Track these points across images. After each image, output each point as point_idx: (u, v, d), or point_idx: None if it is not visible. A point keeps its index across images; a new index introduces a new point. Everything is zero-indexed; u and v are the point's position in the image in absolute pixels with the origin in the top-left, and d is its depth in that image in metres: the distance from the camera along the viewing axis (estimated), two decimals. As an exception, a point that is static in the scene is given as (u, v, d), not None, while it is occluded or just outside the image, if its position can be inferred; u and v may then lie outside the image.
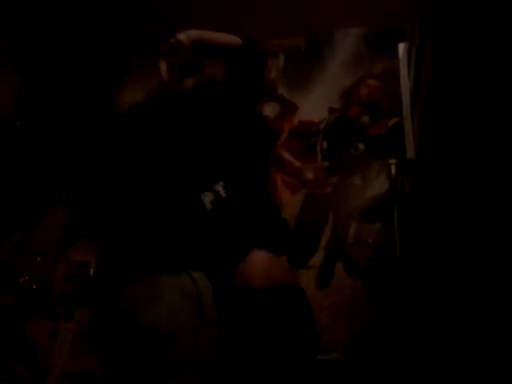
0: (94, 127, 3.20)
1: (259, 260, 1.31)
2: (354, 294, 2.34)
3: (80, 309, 2.64)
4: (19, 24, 3.10)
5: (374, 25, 2.90)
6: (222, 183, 1.32)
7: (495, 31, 1.28)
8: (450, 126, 1.52)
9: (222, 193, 1.32)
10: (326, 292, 2.41)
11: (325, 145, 2.79)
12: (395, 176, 2.26)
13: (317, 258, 2.51)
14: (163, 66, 1.38)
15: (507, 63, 1.29)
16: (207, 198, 1.31)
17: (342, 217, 2.58)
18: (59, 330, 2.61)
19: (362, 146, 2.71)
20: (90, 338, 1.28)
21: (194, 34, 1.39)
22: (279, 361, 1.26)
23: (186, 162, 1.34)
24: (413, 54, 1.98)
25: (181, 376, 1.14)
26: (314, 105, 2.90)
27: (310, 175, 2.73)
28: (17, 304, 2.73)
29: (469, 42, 1.36)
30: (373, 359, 2.18)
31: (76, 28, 3.10)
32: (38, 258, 2.82)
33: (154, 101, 1.49)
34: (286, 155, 2.83)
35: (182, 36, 1.37)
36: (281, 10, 2.84)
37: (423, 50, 1.71)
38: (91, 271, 2.72)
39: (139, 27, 3.09)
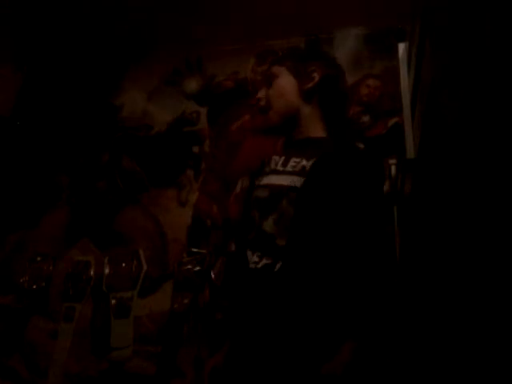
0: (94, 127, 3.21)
1: None
2: (353, 294, 2.33)
3: (80, 308, 2.64)
4: (20, 25, 3.10)
5: (374, 25, 2.89)
6: None
7: (496, 31, 1.28)
8: (450, 125, 1.52)
9: None
10: (326, 292, 2.41)
11: (325, 145, 2.79)
12: (395, 176, 2.26)
13: (317, 258, 2.51)
14: None
15: (508, 63, 1.29)
16: None
17: (342, 217, 2.57)
18: (59, 330, 2.61)
19: (361, 146, 2.71)
20: None
21: None
22: None
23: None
24: (413, 54, 1.98)
25: None
26: (314, 105, 2.90)
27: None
28: (17, 304, 2.73)
29: (469, 41, 1.36)
30: (373, 359, 2.17)
31: (76, 28, 3.10)
32: (38, 258, 2.82)
33: None
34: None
35: None
36: (281, 10, 2.84)
37: (423, 50, 1.71)
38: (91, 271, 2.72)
39: (139, 28, 3.09)
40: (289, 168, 1.42)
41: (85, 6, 2.95)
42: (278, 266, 1.30)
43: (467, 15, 1.34)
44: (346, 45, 2.97)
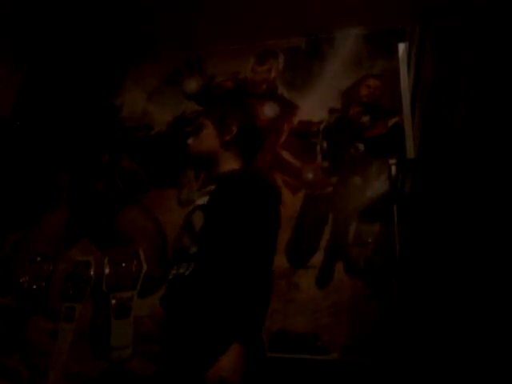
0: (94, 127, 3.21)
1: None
2: (354, 294, 2.34)
3: (80, 308, 2.64)
4: (20, 25, 3.11)
5: (374, 25, 2.90)
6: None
7: (496, 31, 1.28)
8: (450, 125, 1.52)
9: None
10: (326, 292, 2.41)
11: (325, 145, 2.79)
12: (395, 176, 2.26)
13: (317, 258, 2.51)
14: None
15: (508, 63, 1.29)
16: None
17: (341, 217, 2.58)
18: (59, 330, 2.61)
19: (361, 146, 2.71)
20: None
21: None
22: None
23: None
24: (413, 54, 1.98)
25: None
26: (314, 105, 2.90)
27: (310, 175, 2.74)
28: (17, 304, 2.73)
29: (469, 41, 1.36)
30: (373, 359, 2.18)
31: (77, 28, 3.11)
32: (38, 258, 2.82)
33: None
34: (286, 155, 2.83)
35: None
36: (281, 10, 2.84)
37: (423, 50, 1.71)
38: (91, 271, 2.72)
39: (139, 28, 3.09)
40: (202, 192, 1.71)
41: (85, 6, 2.95)
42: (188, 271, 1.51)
43: (467, 15, 1.34)
44: (346, 45, 2.97)
